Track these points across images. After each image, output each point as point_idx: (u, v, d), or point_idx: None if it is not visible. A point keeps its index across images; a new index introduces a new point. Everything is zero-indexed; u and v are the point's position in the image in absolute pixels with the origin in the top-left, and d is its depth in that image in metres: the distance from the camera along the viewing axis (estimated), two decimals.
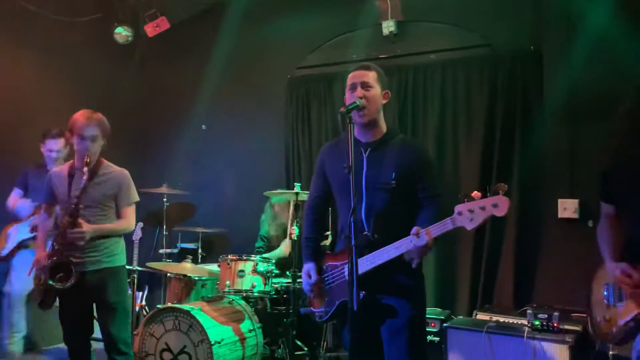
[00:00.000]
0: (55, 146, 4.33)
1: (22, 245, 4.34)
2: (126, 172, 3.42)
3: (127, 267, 3.56)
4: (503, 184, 2.12)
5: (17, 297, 4.29)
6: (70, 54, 5.37)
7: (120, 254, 3.38)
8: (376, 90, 2.54)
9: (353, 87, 2.53)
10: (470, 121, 4.66)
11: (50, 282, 3.10)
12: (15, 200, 4.39)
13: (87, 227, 3.11)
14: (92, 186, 3.22)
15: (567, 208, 4.14)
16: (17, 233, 4.36)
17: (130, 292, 4.63)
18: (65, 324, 3.29)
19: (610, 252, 2.40)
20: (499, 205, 2.10)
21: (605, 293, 2.39)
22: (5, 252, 4.33)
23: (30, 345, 4.55)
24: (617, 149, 2.43)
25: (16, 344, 4.30)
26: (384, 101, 2.61)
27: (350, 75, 2.58)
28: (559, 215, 4.19)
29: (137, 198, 3.44)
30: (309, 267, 2.65)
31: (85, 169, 3.14)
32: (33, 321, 4.51)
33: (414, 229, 2.28)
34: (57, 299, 3.24)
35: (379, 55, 5.00)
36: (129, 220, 3.38)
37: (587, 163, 4.11)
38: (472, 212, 2.15)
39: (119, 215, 3.36)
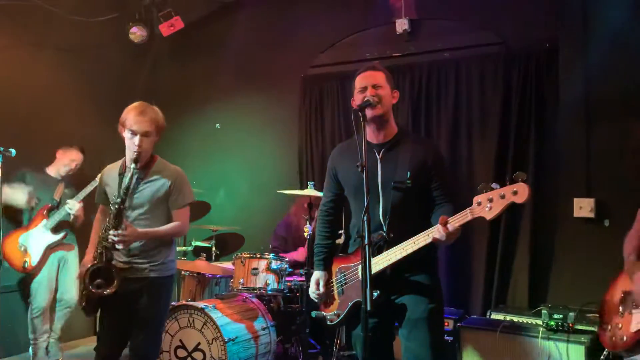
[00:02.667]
0: (78, 158, 4.49)
1: (49, 249, 4.32)
2: (180, 170, 3.13)
3: None
4: (522, 173, 2.10)
5: (39, 311, 4.31)
6: (86, 54, 5.44)
7: (170, 263, 3.07)
8: (386, 90, 2.53)
9: (363, 89, 2.52)
10: (484, 119, 4.63)
11: (90, 288, 2.83)
12: None
13: (131, 231, 2.83)
14: (143, 185, 2.97)
15: (583, 207, 4.10)
16: (35, 240, 4.29)
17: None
18: (102, 331, 3.02)
19: (636, 255, 2.36)
20: (519, 192, 2.09)
21: (621, 300, 2.35)
22: (35, 261, 4.26)
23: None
24: None
25: (42, 348, 4.33)
26: (394, 101, 2.59)
27: (358, 77, 2.57)
28: (575, 215, 4.14)
29: (191, 199, 3.12)
30: (318, 275, 2.65)
31: (133, 165, 2.88)
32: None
33: (441, 218, 2.24)
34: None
35: (393, 54, 4.99)
36: (182, 224, 3.05)
37: (603, 162, 4.07)
38: (492, 200, 2.14)
39: (169, 218, 3.05)
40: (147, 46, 5.79)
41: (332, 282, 2.64)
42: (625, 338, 2.28)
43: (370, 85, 2.50)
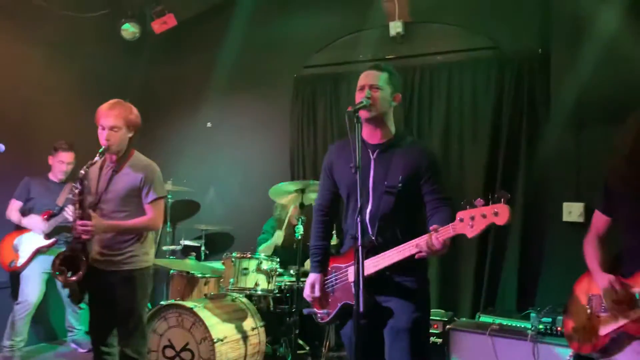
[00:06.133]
0: (67, 158, 4.49)
1: (37, 252, 4.37)
2: (153, 164, 3.18)
3: None
4: (505, 192, 2.09)
5: (27, 307, 4.29)
6: (77, 50, 5.39)
7: (143, 256, 3.13)
8: (385, 92, 2.49)
9: (362, 88, 2.52)
10: (476, 123, 4.66)
11: (57, 274, 2.93)
12: (16, 212, 4.40)
13: (96, 222, 2.89)
14: (117, 178, 3.06)
15: (572, 212, 4.12)
16: (27, 243, 4.37)
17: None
18: (91, 316, 3.16)
19: (599, 263, 2.43)
20: (500, 213, 2.07)
21: (588, 302, 2.41)
22: (21, 262, 4.34)
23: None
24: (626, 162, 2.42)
25: (18, 350, 4.30)
26: (395, 103, 2.56)
27: (361, 75, 2.55)
28: (564, 219, 4.17)
29: (162, 193, 3.15)
30: (314, 278, 2.62)
31: (97, 158, 2.96)
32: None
33: (433, 227, 2.24)
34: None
35: (386, 56, 4.99)
36: (152, 218, 3.09)
37: (593, 166, 4.09)
38: (473, 219, 2.13)
39: (144, 214, 3.12)
40: (139, 43, 5.75)
41: (326, 282, 2.64)
42: (594, 340, 2.33)
43: (367, 85, 2.49)
